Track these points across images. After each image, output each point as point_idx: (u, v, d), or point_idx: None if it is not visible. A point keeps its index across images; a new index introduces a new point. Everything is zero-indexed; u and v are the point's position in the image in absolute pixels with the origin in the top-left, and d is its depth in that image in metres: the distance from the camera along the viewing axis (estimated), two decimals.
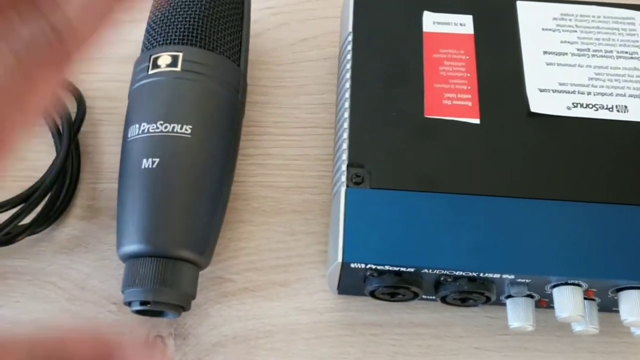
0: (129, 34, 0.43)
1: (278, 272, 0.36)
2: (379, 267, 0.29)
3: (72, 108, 0.39)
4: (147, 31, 0.35)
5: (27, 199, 0.33)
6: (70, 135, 0.35)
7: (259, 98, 0.40)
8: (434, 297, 0.32)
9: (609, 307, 0.32)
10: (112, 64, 0.42)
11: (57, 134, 0.38)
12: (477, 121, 0.33)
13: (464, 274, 0.30)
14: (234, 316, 0.34)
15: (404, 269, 0.29)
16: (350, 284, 0.32)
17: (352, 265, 0.29)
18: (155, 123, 0.31)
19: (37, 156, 0.38)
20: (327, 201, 0.38)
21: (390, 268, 0.29)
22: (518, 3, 0.37)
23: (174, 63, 0.33)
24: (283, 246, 0.36)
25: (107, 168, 0.38)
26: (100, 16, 0.18)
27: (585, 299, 0.31)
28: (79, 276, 0.35)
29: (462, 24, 0.36)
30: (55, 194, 0.35)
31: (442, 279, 0.30)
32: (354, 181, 0.31)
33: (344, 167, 0.32)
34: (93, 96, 0.40)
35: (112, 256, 0.35)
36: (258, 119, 0.40)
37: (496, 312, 0.34)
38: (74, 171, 0.36)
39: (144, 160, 0.31)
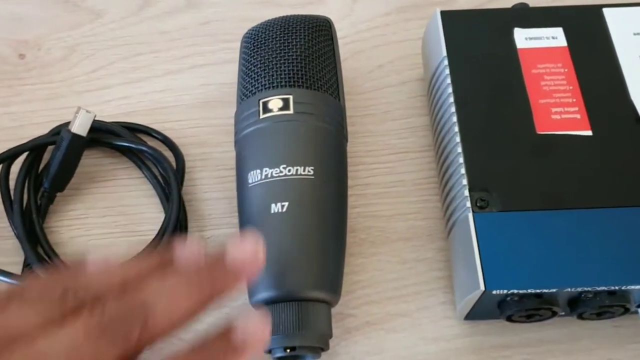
0: (209, 78, 0.43)
1: (397, 302, 0.35)
2: (520, 292, 0.29)
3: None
4: (246, 75, 0.35)
5: None
6: (178, 188, 0.35)
7: (349, 129, 0.40)
8: (564, 314, 0.32)
9: None
10: (195, 110, 0.42)
11: (159, 186, 0.38)
12: (589, 133, 0.33)
13: (605, 288, 0.29)
14: (361, 352, 0.34)
15: (546, 290, 0.29)
16: (482, 309, 0.32)
17: (494, 292, 0.29)
18: (278, 167, 0.31)
19: (140, 209, 0.38)
20: (433, 226, 0.37)
21: (532, 291, 0.29)
22: (605, 10, 0.37)
23: (285, 106, 0.33)
24: (397, 276, 0.36)
25: (210, 215, 0.38)
26: (182, 320, 0.22)
27: None
28: (201, 327, 0.35)
29: (554, 37, 0.36)
30: None
31: (582, 295, 0.30)
32: (479, 205, 0.31)
33: (466, 192, 0.31)
34: (182, 144, 0.40)
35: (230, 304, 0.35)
36: (350, 149, 0.40)
37: (622, 321, 0.34)
38: (182, 222, 0.36)
39: (273, 205, 0.31)
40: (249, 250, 0.24)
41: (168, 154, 0.39)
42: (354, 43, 0.45)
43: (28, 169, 0.37)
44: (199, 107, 0.42)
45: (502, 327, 0.34)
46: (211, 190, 0.39)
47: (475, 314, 0.33)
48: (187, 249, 0.24)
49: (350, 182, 0.39)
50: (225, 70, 0.43)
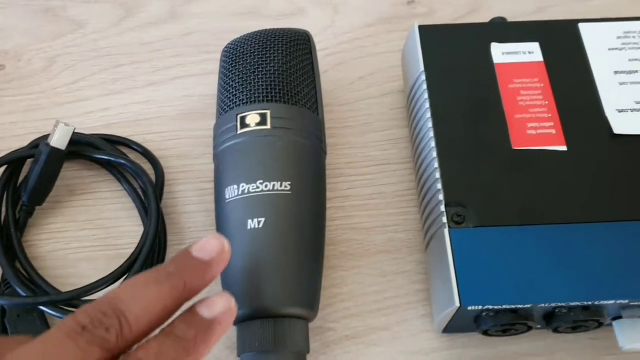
0: (191, 89, 0.43)
1: (377, 316, 0.36)
2: (496, 307, 0.29)
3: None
4: (225, 90, 0.36)
5: (128, 270, 0.33)
6: (157, 201, 0.35)
7: (328, 140, 0.41)
8: (540, 327, 0.32)
9: None
10: (176, 121, 0.42)
11: (139, 199, 0.38)
12: (564, 148, 0.33)
13: (579, 304, 0.30)
14: None
15: (521, 306, 0.29)
16: (459, 324, 0.32)
17: (470, 308, 0.29)
18: (255, 183, 0.31)
19: (119, 222, 0.38)
20: (412, 239, 0.38)
21: (507, 307, 0.29)
22: (580, 25, 0.38)
23: (263, 121, 0.33)
24: (377, 289, 0.36)
25: (189, 228, 0.38)
26: (158, 319, 0.24)
27: None
28: None
29: (531, 52, 0.36)
30: (150, 261, 0.34)
31: (556, 310, 0.30)
32: (455, 221, 0.31)
33: (442, 208, 0.32)
34: (163, 156, 0.40)
35: None
36: (330, 162, 0.40)
37: (597, 334, 0.34)
38: (162, 236, 0.36)
39: (249, 221, 0.31)
40: (214, 241, 0.26)
41: (148, 167, 0.39)
42: (335, 55, 0.45)
43: (6, 183, 0.37)
44: (181, 118, 0.42)
45: (480, 340, 0.34)
46: (191, 203, 0.39)
47: (452, 327, 0.33)
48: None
49: (329, 195, 0.39)
50: (207, 81, 0.43)
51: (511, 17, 0.40)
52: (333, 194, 0.39)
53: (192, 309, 0.25)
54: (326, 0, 0.47)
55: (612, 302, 0.30)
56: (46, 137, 0.38)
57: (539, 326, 0.32)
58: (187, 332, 0.23)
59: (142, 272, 0.24)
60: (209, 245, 0.26)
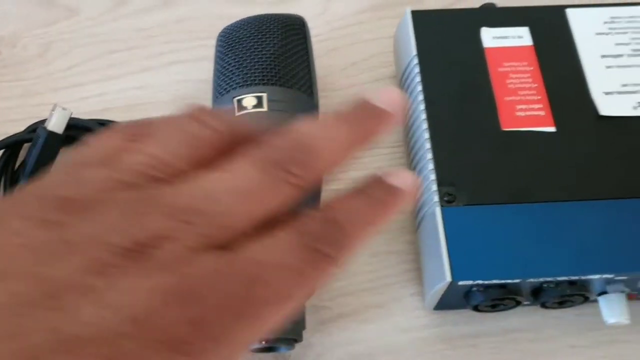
0: (185, 75, 0.44)
1: (370, 294, 0.36)
2: (485, 282, 0.30)
3: None
4: (221, 74, 0.36)
5: None
6: None
7: None
8: (529, 303, 0.33)
9: None
10: (171, 106, 0.42)
11: None
12: (552, 129, 0.34)
13: (566, 278, 0.31)
14: (335, 342, 0.35)
15: (509, 281, 0.30)
16: (449, 300, 0.33)
17: (460, 283, 0.30)
18: None
19: None
20: (404, 219, 0.39)
21: (497, 282, 0.30)
22: (567, 10, 0.39)
23: (259, 104, 0.34)
24: (369, 268, 0.37)
25: None
26: (341, 157, 0.21)
27: None
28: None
29: (520, 36, 0.37)
30: None
31: (544, 285, 0.31)
32: (446, 199, 0.32)
33: (434, 187, 0.33)
34: None
35: None
36: None
37: (584, 309, 0.35)
38: None
39: None
40: (392, 93, 0.22)
41: None
42: (328, 41, 0.45)
43: (4, 167, 0.38)
44: (175, 103, 0.43)
45: (469, 317, 0.35)
46: None
47: (443, 304, 0.34)
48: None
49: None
50: (201, 67, 0.43)
51: (501, 2, 0.41)
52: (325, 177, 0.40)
53: (376, 175, 0.22)
54: None
55: (597, 276, 0.31)
56: (43, 121, 0.38)
57: (527, 302, 0.33)
58: (381, 194, 0.21)
59: (329, 113, 0.21)
60: (391, 94, 0.22)
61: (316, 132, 0.21)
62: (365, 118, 0.22)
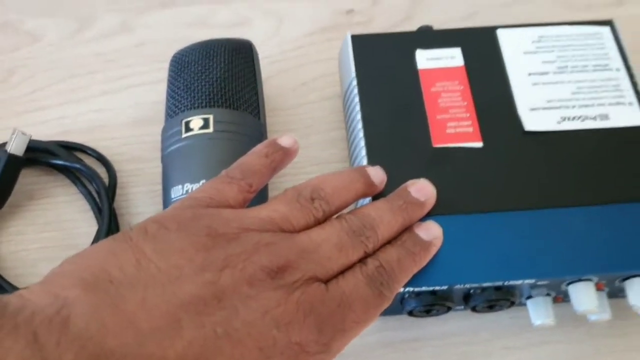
0: (143, 97, 0.46)
1: None
2: (416, 290, 0.33)
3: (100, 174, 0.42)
4: (171, 97, 0.38)
5: None
6: (109, 202, 0.38)
7: None
8: (463, 308, 0.36)
9: (616, 293, 0.36)
10: (129, 127, 0.45)
11: (93, 201, 0.40)
12: (480, 145, 0.37)
13: (491, 284, 0.33)
14: None
15: (438, 288, 0.33)
16: (388, 306, 0.35)
17: None
18: (198, 182, 0.34)
19: (76, 224, 0.41)
20: None
21: (426, 289, 0.33)
22: (498, 31, 0.41)
23: (205, 125, 0.36)
24: None
25: None
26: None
27: (596, 290, 0.34)
28: None
29: (452, 57, 0.40)
30: None
31: (471, 291, 0.34)
32: None
33: (368, 201, 0.35)
34: (117, 160, 0.43)
35: None
36: None
37: (517, 312, 0.38)
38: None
39: None
40: (429, 187, 0.34)
41: (103, 170, 0.42)
42: (279, 62, 0.48)
43: None
44: (133, 125, 0.45)
45: (410, 322, 0.37)
46: (143, 204, 0.42)
47: (385, 310, 0.36)
48: (375, 173, 0.34)
49: (275, 193, 0.42)
50: (158, 89, 0.45)
51: (443, 24, 0.44)
52: (278, 192, 0.42)
53: (412, 231, 0.32)
54: (271, 11, 0.50)
55: (520, 282, 0.33)
56: (4, 144, 0.40)
57: (461, 307, 0.36)
58: (414, 248, 0.31)
59: (382, 200, 0.32)
60: (425, 188, 0.34)
61: (376, 215, 0.31)
62: (408, 208, 0.32)
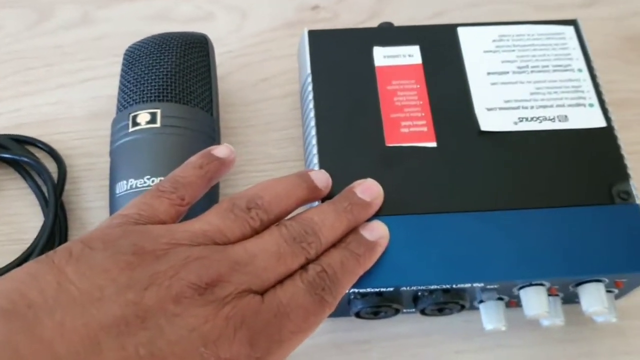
0: (99, 91, 0.45)
1: None
2: (361, 291, 0.32)
3: (52, 169, 0.41)
4: (121, 90, 0.37)
5: (25, 261, 0.34)
6: (56, 197, 0.37)
7: (230, 139, 0.43)
8: (414, 310, 0.35)
9: (572, 299, 0.35)
10: (84, 121, 0.44)
11: (42, 196, 0.39)
12: (434, 144, 0.36)
13: (438, 287, 0.32)
14: None
15: (384, 289, 0.32)
16: (338, 308, 0.34)
17: None
18: (142, 178, 0.33)
19: (25, 218, 0.40)
20: None
21: (372, 290, 0.32)
22: (459, 29, 0.40)
23: (153, 120, 0.35)
24: None
25: (92, 223, 0.40)
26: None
27: (549, 295, 0.34)
28: None
29: (410, 55, 0.39)
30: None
31: (419, 293, 0.33)
32: None
33: (317, 202, 0.34)
34: (70, 154, 0.42)
35: None
36: None
37: (471, 316, 0.37)
38: (63, 230, 0.38)
39: None
40: (375, 187, 0.33)
41: (54, 165, 0.41)
42: (241, 57, 0.47)
43: None
44: (88, 119, 0.44)
45: (362, 323, 0.37)
46: (94, 199, 0.41)
47: (333, 311, 0.35)
48: (319, 177, 0.33)
49: (229, 190, 0.41)
50: (114, 83, 0.44)
51: (409, 22, 0.43)
52: (232, 190, 0.41)
53: (357, 232, 0.31)
54: (234, 6, 0.49)
55: (468, 285, 0.32)
56: None
57: (409, 310, 0.35)
58: (359, 249, 0.30)
59: (326, 202, 0.32)
60: (371, 189, 0.33)
61: (318, 219, 0.30)
62: (354, 210, 0.32)
